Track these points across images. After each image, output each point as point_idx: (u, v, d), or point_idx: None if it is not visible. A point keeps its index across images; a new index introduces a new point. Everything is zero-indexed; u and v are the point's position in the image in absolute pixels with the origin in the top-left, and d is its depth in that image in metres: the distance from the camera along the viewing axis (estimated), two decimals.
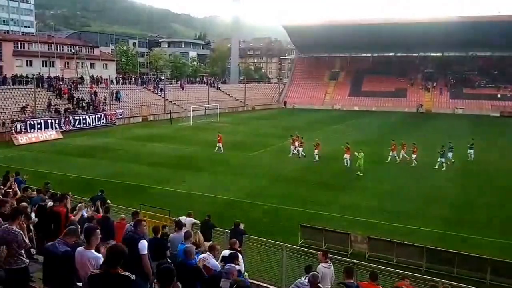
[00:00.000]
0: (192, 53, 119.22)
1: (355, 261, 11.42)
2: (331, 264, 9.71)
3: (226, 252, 8.96)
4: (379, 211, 19.18)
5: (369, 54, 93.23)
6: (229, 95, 78.40)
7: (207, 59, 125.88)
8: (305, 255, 11.64)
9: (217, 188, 22.67)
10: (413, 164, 28.43)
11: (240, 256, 8.86)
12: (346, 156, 27.88)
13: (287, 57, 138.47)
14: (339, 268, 10.29)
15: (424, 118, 64.39)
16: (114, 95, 54.50)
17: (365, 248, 14.33)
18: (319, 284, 7.42)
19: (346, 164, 27.73)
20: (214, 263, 7.90)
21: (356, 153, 26.20)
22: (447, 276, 11.61)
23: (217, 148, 32.87)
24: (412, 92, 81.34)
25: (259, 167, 28.11)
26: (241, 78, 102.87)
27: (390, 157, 29.44)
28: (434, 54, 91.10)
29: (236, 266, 7.87)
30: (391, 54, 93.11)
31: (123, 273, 4.64)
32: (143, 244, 7.14)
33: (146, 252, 7.16)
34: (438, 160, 27.68)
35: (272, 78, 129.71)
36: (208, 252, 8.27)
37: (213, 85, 79.66)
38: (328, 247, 13.97)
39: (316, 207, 19.59)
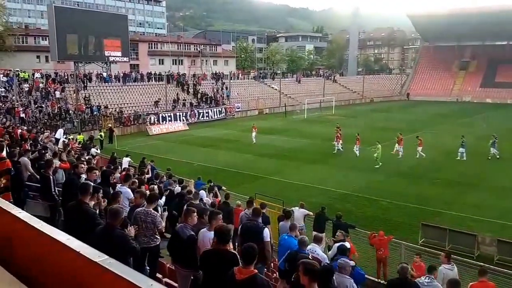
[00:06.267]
0: (309, 46, 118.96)
1: (481, 264, 10.62)
2: (454, 265, 9.16)
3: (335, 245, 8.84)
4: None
5: (504, 42, 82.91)
6: (345, 87, 76.70)
7: (324, 52, 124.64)
8: (425, 254, 11.06)
9: (330, 181, 22.49)
10: (417, 156, 27.26)
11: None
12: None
13: (410, 46, 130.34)
14: (464, 270, 9.67)
15: None
16: (222, 90, 56.79)
17: (493, 251, 13.34)
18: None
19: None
20: (322, 254, 7.89)
21: (376, 149, 25.57)
22: None
23: (253, 137, 33.21)
24: None
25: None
26: (360, 70, 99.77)
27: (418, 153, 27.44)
28: None
29: (351, 262, 7.70)
30: None
31: (231, 250, 5.12)
32: (267, 232, 7.88)
33: (269, 239, 7.93)
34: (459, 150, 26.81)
35: (393, 69, 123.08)
36: (313, 244, 8.15)
37: (329, 77, 78.65)
38: (452, 248, 13.18)
39: (438, 205, 18.33)
